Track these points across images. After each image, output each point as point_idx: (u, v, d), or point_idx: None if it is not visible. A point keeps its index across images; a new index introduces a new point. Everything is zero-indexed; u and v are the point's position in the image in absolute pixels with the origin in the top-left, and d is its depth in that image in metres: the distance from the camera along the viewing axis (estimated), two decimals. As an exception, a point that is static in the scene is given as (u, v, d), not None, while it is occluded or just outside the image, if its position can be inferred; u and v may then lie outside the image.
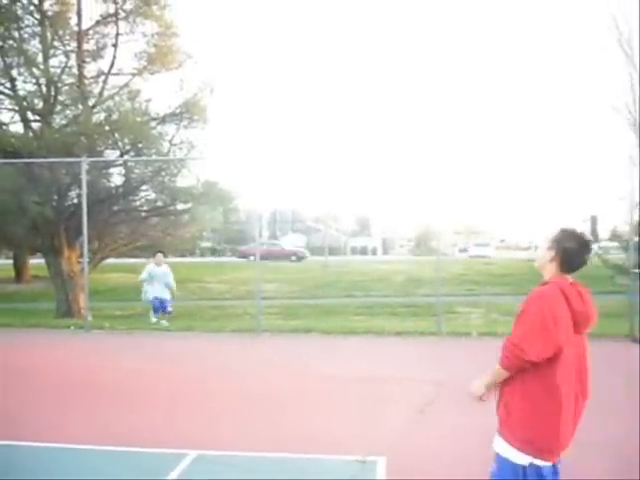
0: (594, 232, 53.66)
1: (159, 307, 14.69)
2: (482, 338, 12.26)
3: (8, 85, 16.66)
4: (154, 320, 14.61)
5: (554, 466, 3.15)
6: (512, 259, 37.13)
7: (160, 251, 15.24)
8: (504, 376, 3.17)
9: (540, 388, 3.05)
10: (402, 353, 11.22)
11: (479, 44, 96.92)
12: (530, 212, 61.48)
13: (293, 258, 44.88)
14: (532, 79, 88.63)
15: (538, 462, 3.08)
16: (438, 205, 14.82)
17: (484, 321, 15.44)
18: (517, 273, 27.16)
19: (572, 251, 3.19)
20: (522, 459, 3.09)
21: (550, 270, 3.24)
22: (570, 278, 3.22)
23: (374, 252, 73.05)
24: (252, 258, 45.88)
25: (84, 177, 13.86)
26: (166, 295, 14.75)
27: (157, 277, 14.69)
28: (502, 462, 3.16)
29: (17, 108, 16.86)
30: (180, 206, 18.22)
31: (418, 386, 7.80)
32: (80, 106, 16.62)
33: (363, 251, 72.50)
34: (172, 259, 22.21)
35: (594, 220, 53.56)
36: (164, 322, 14.43)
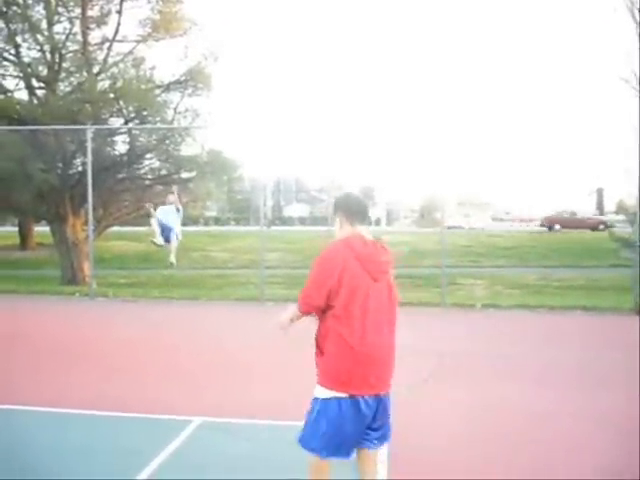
0: (600, 205, 53.51)
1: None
2: (486, 310, 12.30)
3: (13, 52, 16.58)
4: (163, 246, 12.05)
5: (376, 398, 3.47)
6: (516, 231, 37.01)
7: (171, 191, 12.36)
8: (300, 316, 3.53)
9: (342, 329, 3.37)
10: (405, 324, 11.20)
11: (483, 12, 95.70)
12: (536, 184, 61.41)
13: (601, 227, 37.82)
14: (538, 50, 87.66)
15: (352, 393, 3.35)
16: (443, 176, 14.78)
17: (488, 293, 15.46)
18: (521, 245, 27.14)
19: (346, 201, 3.66)
20: (335, 395, 3.35)
21: (344, 231, 3.60)
22: (364, 231, 3.55)
23: (378, 223, 72.85)
24: (557, 227, 39.61)
25: (89, 145, 13.81)
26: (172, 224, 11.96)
27: (167, 218, 11.84)
28: (320, 404, 3.40)
29: (22, 75, 16.79)
30: (185, 174, 18.21)
31: (421, 357, 7.83)
32: (85, 73, 16.55)
33: (367, 222, 72.07)
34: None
35: (600, 193, 53.41)
36: (172, 258, 11.98)
